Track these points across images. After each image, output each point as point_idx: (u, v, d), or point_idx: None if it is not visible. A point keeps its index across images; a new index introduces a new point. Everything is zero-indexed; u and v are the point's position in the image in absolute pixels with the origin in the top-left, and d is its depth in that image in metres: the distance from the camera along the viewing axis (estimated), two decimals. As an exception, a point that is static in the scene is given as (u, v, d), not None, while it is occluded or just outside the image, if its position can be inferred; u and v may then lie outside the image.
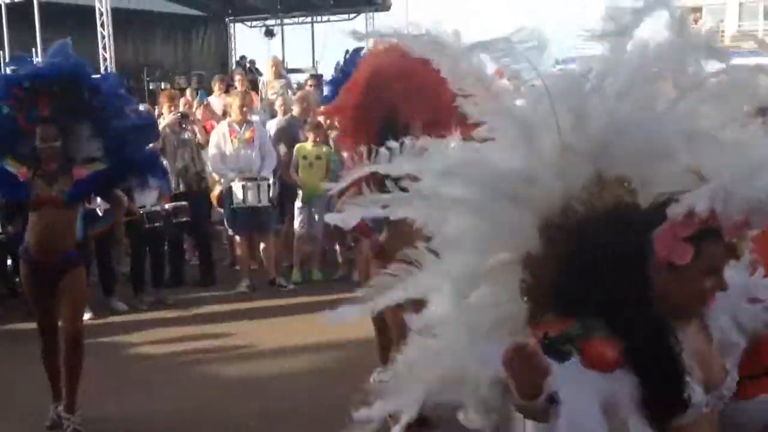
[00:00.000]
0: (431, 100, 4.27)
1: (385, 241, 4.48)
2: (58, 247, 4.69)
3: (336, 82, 5.47)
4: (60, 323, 4.86)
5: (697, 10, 32.98)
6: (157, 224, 7.64)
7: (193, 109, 10.45)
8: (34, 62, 4.84)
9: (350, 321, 2.16)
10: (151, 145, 5.22)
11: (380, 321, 5.35)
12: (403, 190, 2.06)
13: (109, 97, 4.80)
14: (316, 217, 8.57)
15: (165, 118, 8.44)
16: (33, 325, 7.15)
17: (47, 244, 4.68)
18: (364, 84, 4.28)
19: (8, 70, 4.92)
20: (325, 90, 7.07)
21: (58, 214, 4.67)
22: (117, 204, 5.16)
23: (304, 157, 8.48)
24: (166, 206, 7.75)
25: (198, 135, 8.73)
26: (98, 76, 5.02)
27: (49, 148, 4.61)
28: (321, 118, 8.78)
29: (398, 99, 4.23)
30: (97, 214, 5.94)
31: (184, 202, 7.90)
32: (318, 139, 8.48)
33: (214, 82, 12.30)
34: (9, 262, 7.97)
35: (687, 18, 2.04)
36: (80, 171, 4.69)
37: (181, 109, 9.15)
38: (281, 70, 12.96)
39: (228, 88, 11.54)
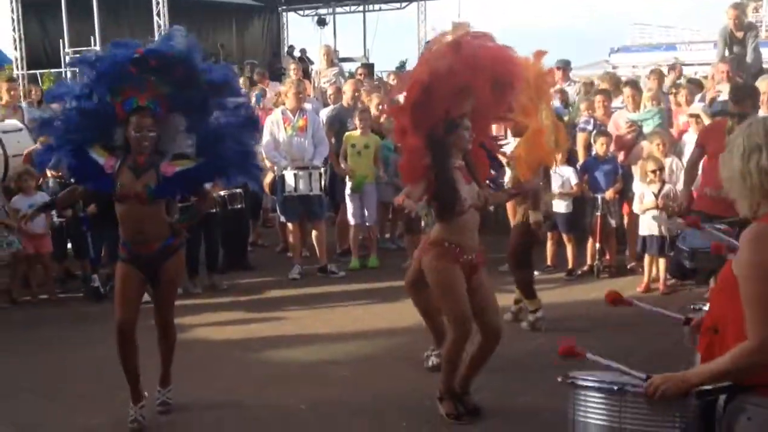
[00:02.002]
0: (476, 96, 4.50)
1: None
2: (154, 238, 4.57)
3: None
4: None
5: (758, -2, 32.04)
6: (212, 210, 7.74)
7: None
8: (138, 44, 4.53)
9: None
10: (252, 146, 4.93)
11: (423, 304, 5.40)
12: None
13: (215, 91, 4.61)
14: (366, 204, 8.61)
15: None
16: (91, 308, 7.38)
17: (142, 237, 4.56)
18: (419, 85, 4.44)
19: (113, 52, 4.57)
20: None
21: (143, 209, 4.52)
22: (204, 197, 4.99)
23: (353, 146, 8.51)
24: (221, 193, 7.85)
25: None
26: (209, 66, 4.68)
27: (143, 137, 4.44)
28: (372, 109, 8.86)
29: (447, 97, 4.41)
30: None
31: (239, 189, 7.97)
32: (366, 128, 8.51)
33: (257, 75, 12.39)
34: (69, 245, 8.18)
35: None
36: (167, 168, 4.52)
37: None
38: (333, 59, 13.00)
39: (280, 78, 11.64)
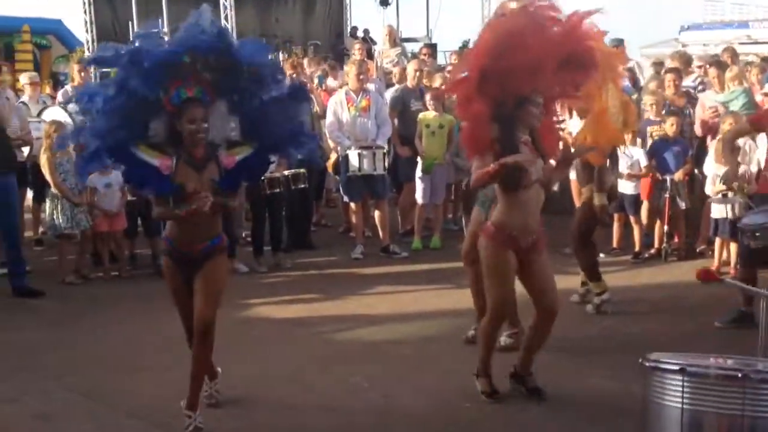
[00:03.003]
0: (541, 71, 4.36)
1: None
2: (204, 237, 4.31)
3: None
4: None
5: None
6: (276, 190, 7.83)
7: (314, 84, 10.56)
8: (162, 36, 4.35)
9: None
10: (301, 117, 4.65)
11: (474, 276, 5.43)
12: None
13: (252, 69, 4.30)
14: (436, 185, 8.59)
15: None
16: (160, 286, 7.49)
17: (193, 237, 4.31)
18: (482, 57, 4.38)
19: (136, 43, 4.30)
20: None
21: None
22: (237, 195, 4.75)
23: (427, 126, 8.50)
24: (285, 173, 7.93)
25: (315, 106, 8.86)
26: (239, 43, 4.41)
27: (198, 129, 4.17)
28: (438, 84, 8.82)
29: (516, 69, 4.32)
30: None
31: (302, 170, 8.04)
32: (438, 107, 8.48)
33: (328, 67, 12.40)
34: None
35: None
36: (228, 159, 4.29)
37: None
38: (396, 39, 12.95)
39: (343, 59, 11.61)
